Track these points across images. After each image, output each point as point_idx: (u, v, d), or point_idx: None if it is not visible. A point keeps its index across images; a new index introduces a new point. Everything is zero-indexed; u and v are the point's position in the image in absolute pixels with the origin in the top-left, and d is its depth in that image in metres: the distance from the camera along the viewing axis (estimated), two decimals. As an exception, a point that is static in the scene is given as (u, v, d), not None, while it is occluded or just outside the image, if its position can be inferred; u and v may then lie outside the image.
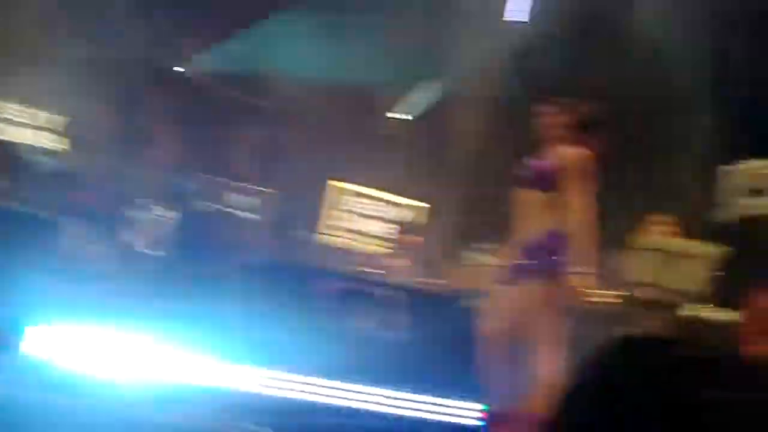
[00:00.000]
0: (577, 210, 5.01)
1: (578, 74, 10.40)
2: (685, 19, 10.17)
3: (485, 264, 7.74)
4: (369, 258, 10.89)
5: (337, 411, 4.78)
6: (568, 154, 5.19)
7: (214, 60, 12.72)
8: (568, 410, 4.78)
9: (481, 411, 5.11)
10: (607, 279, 7.31)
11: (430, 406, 4.98)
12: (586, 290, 5.06)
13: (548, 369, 4.91)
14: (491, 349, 5.07)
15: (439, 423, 5.01)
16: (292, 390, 4.79)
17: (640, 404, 4.53)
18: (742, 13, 10.31)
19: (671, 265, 6.86)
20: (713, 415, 4.68)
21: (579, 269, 4.94)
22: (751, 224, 9.90)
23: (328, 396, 4.80)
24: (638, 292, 6.90)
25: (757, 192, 10.17)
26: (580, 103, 5.39)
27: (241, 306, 5.18)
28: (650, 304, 6.96)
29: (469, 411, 5.16)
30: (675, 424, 4.51)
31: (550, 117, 5.37)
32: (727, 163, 10.55)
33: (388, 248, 10.57)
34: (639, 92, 10.70)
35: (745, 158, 10.46)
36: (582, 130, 5.28)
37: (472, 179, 12.25)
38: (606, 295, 7.25)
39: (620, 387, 4.64)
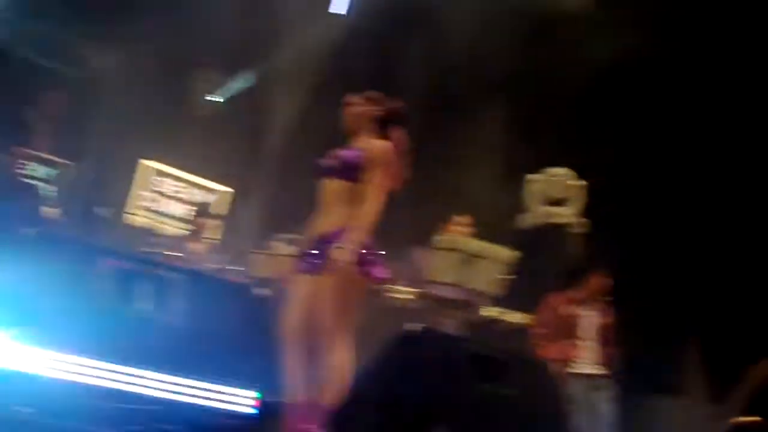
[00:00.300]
0: (373, 203, 5.01)
1: (391, 70, 10.51)
2: (500, 23, 10.40)
3: (287, 253, 7.66)
4: (171, 240, 10.66)
5: (112, 394, 4.60)
6: (372, 146, 5.19)
7: (18, 24, 12.07)
8: (357, 400, 4.78)
9: (260, 400, 5.05)
10: (405, 275, 7.40)
11: (209, 393, 4.87)
12: (380, 284, 5.08)
13: (339, 361, 4.89)
14: (286, 340, 5.01)
15: (218, 410, 4.91)
16: (64, 371, 4.58)
17: (423, 395, 4.58)
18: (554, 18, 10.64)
19: (469, 265, 6.99)
20: (494, 409, 4.76)
21: (372, 262, 4.94)
22: (547, 232, 10.27)
23: (102, 378, 4.61)
24: (435, 290, 7.00)
25: (556, 201, 10.56)
26: (388, 98, 5.41)
27: (20, 279, 4.90)
28: (446, 302, 7.07)
29: (249, 399, 5.08)
30: (455, 417, 4.58)
31: (358, 108, 5.36)
32: (531, 171, 10.89)
33: (191, 231, 10.35)
34: (450, 92, 10.88)
35: (547, 167, 10.84)
36: (388, 124, 5.30)
37: (283, 167, 12.18)
38: (403, 291, 7.33)
39: (405, 379, 4.68)
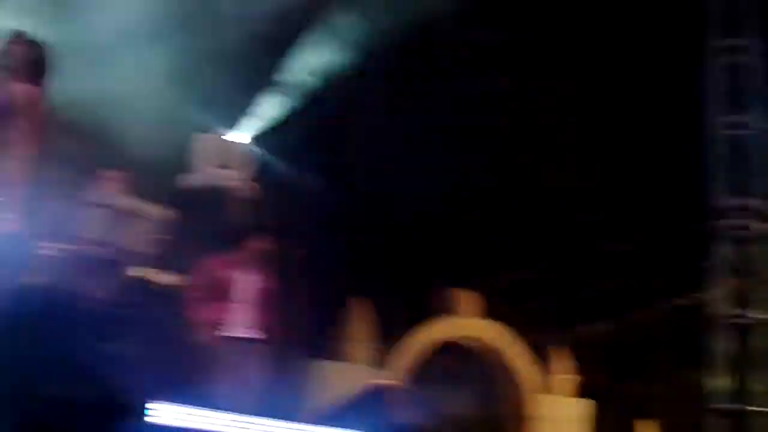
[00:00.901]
0: (17, 152, 4.74)
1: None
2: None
3: None
4: None
5: None
6: (16, 90, 4.90)
7: None
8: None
9: None
10: (51, 230, 7.04)
11: None
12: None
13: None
14: None
15: None
16: None
17: (34, 354, 4.38)
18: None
19: (121, 223, 6.77)
20: (113, 369, 4.64)
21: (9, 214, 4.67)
22: (208, 193, 10.15)
23: None
24: (83, 247, 6.71)
25: (222, 164, 10.48)
26: (39, 43, 5.12)
27: None
28: (97, 261, 6.81)
29: None
30: (69, 375, 4.41)
31: (5, 47, 5.04)
32: (202, 131, 10.73)
33: None
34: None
35: (217, 129, 10.74)
36: (32, 69, 5.02)
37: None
38: (48, 247, 6.99)
39: (16, 336, 4.45)
